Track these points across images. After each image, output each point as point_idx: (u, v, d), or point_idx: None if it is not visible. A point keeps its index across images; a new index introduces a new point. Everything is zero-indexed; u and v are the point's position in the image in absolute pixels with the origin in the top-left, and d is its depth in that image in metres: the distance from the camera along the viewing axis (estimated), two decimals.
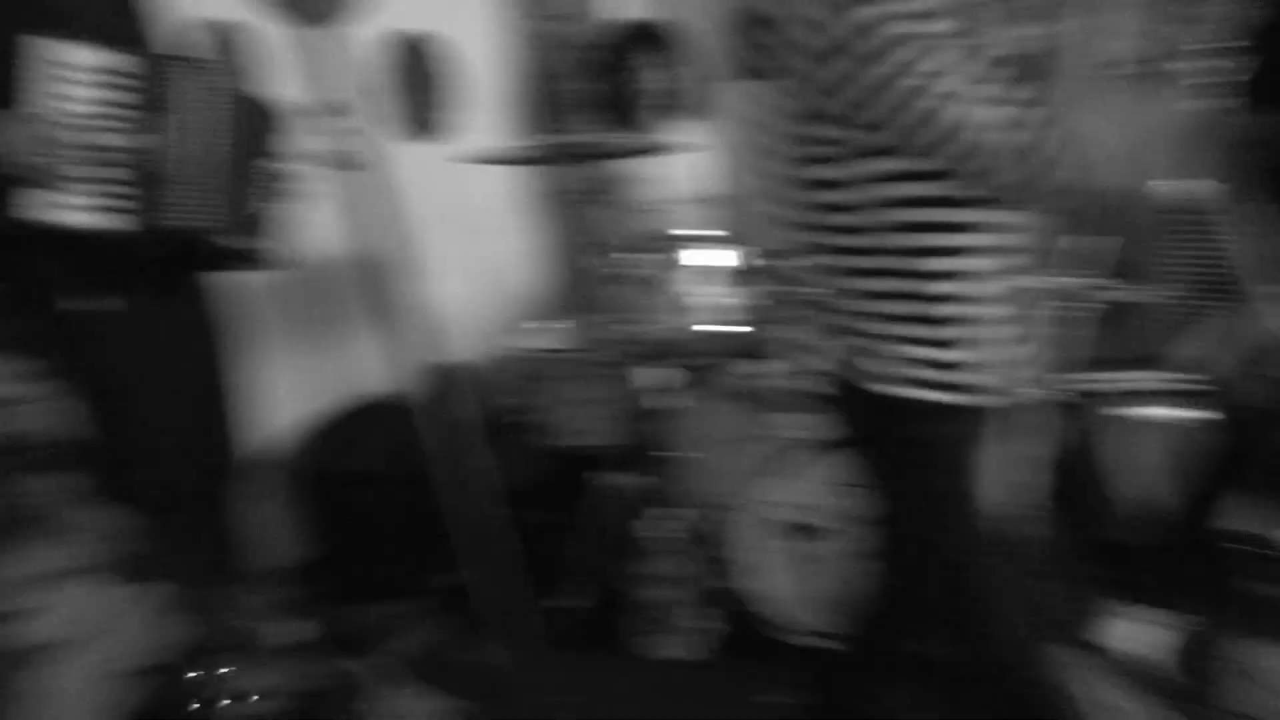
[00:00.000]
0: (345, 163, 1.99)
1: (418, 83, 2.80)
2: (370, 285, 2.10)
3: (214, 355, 1.88)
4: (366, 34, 2.49)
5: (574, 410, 2.44)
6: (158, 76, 1.58)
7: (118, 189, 1.55)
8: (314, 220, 1.94)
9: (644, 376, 2.28)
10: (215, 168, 1.65)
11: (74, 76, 1.51)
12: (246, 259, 1.76)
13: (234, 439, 1.91)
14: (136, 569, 1.54)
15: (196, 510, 1.77)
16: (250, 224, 1.72)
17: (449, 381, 2.22)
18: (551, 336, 2.60)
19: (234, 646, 1.66)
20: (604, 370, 2.36)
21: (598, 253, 2.57)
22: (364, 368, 2.44)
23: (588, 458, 2.40)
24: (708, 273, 2.25)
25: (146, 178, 1.57)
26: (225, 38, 2.29)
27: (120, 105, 1.55)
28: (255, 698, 1.57)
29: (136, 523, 1.58)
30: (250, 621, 1.74)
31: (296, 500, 2.34)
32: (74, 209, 1.51)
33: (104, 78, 1.54)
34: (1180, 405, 2.11)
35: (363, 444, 2.42)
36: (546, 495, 2.42)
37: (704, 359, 2.31)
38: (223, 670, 1.56)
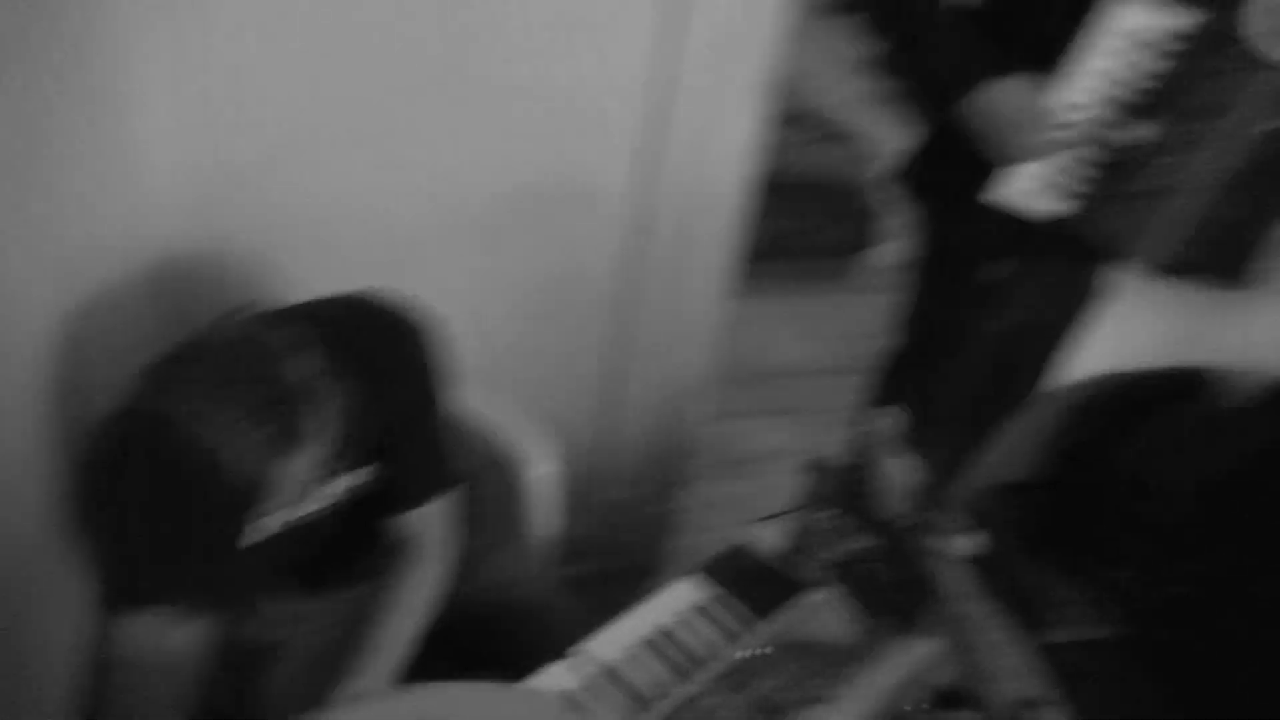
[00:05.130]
0: None
1: None
2: None
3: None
4: None
5: None
6: (1209, 53, 1.22)
7: (1086, 171, 1.30)
8: None
9: None
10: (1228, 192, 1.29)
11: (1134, 46, 1.23)
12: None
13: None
14: None
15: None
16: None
17: None
18: None
19: None
20: None
21: None
22: None
23: None
24: None
25: (1116, 167, 1.28)
26: None
27: (1151, 77, 1.24)
28: None
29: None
30: None
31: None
32: (1037, 191, 1.31)
33: (1155, 47, 1.23)
34: None
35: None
36: None
37: None
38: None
